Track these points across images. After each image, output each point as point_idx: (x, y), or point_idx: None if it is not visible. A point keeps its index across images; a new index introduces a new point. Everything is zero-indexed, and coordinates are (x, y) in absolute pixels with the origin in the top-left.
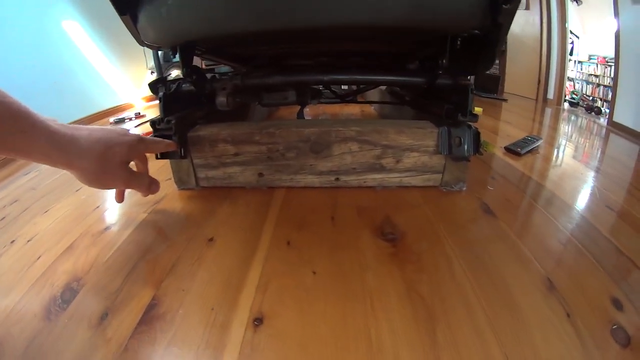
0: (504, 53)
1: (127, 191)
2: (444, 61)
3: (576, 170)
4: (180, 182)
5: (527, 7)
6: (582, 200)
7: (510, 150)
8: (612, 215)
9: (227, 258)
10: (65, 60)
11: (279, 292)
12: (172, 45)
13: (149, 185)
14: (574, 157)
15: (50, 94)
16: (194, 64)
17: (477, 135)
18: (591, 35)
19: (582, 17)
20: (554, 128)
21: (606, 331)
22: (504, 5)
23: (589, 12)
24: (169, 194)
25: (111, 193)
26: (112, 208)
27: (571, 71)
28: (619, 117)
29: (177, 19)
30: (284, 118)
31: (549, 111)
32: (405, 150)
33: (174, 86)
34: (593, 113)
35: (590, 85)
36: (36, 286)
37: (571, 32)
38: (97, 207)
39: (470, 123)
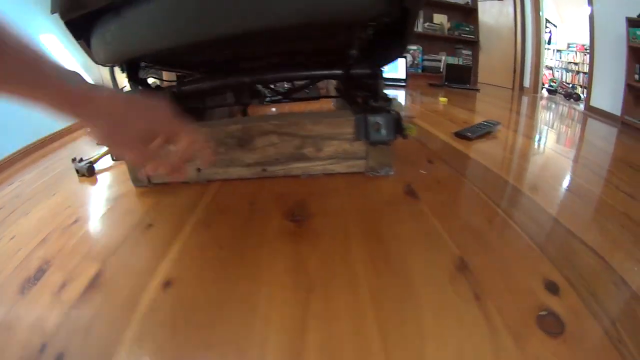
0: (475, 44)
1: (95, 187)
2: (354, 51)
3: (534, 153)
4: (136, 181)
5: None
6: (529, 179)
7: (460, 135)
8: (565, 194)
9: (158, 239)
10: None
11: (188, 263)
12: (119, 63)
13: (175, 166)
14: (536, 141)
15: (29, 108)
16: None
17: (397, 120)
18: (569, 24)
19: (559, 6)
20: (525, 115)
21: (529, 318)
22: None
23: (566, 1)
24: (127, 191)
25: (83, 195)
26: (81, 206)
27: (550, 60)
28: (596, 102)
29: (118, 42)
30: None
31: (524, 99)
32: (325, 139)
33: None
34: (572, 100)
35: (570, 73)
36: (16, 271)
37: (548, 22)
38: (69, 206)
39: (392, 109)
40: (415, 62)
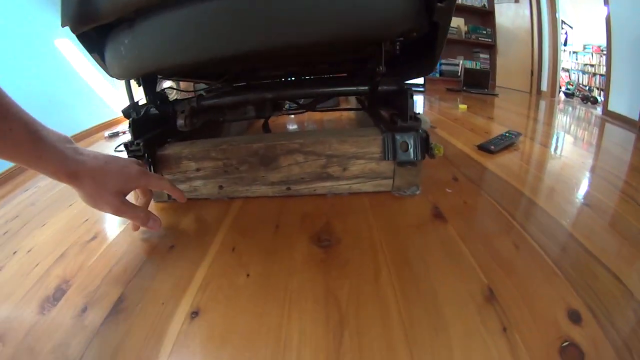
0: (493, 47)
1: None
2: (381, 67)
3: (555, 166)
4: (155, 196)
5: (517, 0)
6: (553, 199)
7: (483, 148)
8: (591, 215)
9: (182, 263)
10: (60, 77)
11: (215, 291)
12: (134, 77)
13: (145, 220)
14: (556, 151)
15: (47, 111)
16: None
17: (424, 139)
18: (585, 25)
19: (575, 7)
20: (545, 122)
21: (552, 348)
22: (438, 4)
23: (582, 2)
24: None
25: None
26: (99, 220)
27: (566, 62)
28: (614, 106)
29: (134, 56)
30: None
31: (542, 104)
32: (350, 158)
33: (142, 111)
34: (589, 103)
35: (587, 75)
36: (34, 289)
37: (564, 23)
38: (86, 219)
39: (420, 127)
40: None
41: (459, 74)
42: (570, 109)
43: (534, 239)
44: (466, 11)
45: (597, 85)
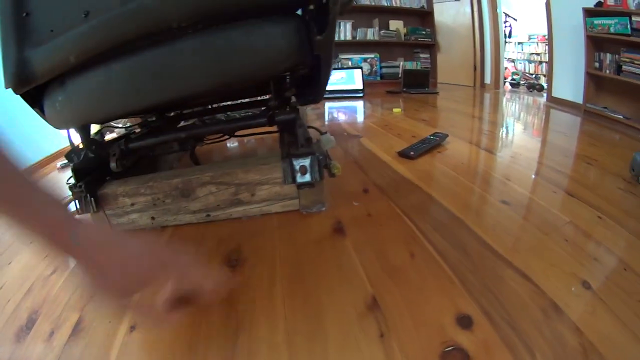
0: (433, 47)
1: None
2: (273, 101)
3: (480, 164)
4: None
5: None
6: (467, 200)
7: (403, 155)
8: (508, 214)
9: None
10: (9, 107)
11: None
12: (70, 128)
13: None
14: (485, 148)
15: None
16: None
17: (320, 161)
18: (529, 16)
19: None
20: (482, 117)
21: (432, 353)
22: (317, 37)
23: None
24: None
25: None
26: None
27: (512, 52)
28: (558, 92)
29: (67, 111)
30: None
31: (486, 97)
32: (256, 184)
33: (81, 156)
34: (535, 90)
35: (533, 64)
36: (9, 321)
37: (508, 16)
38: (46, 256)
39: (316, 151)
40: (374, 69)
41: (400, 75)
42: (515, 98)
43: (434, 246)
44: (405, 13)
45: (544, 73)
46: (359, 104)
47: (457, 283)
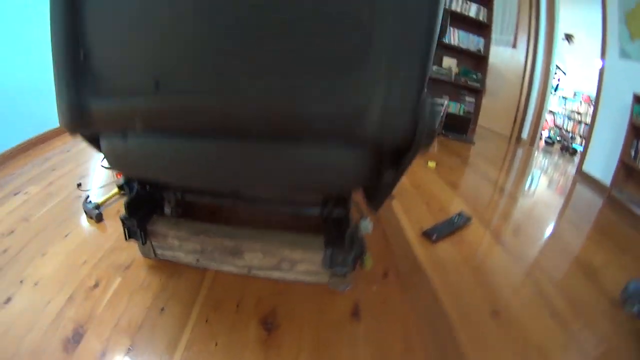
0: (480, 92)
1: (106, 241)
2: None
3: (484, 263)
4: (144, 254)
5: (514, 46)
6: (464, 309)
7: (427, 235)
8: (491, 329)
9: (170, 324)
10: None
11: (195, 354)
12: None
13: None
14: (496, 242)
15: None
16: None
17: (356, 257)
18: (579, 73)
19: (572, 54)
20: (510, 193)
21: None
22: (387, 172)
23: (580, 50)
24: (137, 260)
25: (95, 247)
26: (97, 265)
27: (554, 105)
28: (589, 167)
29: (127, 164)
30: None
31: (519, 155)
32: (298, 261)
33: (133, 189)
34: (568, 154)
35: (572, 122)
36: (52, 327)
37: (559, 68)
38: (85, 261)
39: (355, 248)
40: None
41: (442, 114)
42: (545, 162)
43: (426, 346)
44: (461, 52)
45: (581, 133)
46: None
47: None
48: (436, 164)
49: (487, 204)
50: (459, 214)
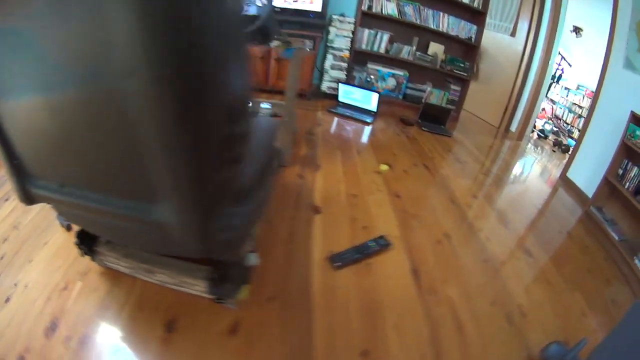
0: (466, 82)
1: (74, 250)
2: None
3: (386, 295)
4: (97, 263)
5: (513, 34)
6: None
7: (331, 261)
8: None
9: (109, 318)
10: None
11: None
12: None
13: None
14: (416, 274)
15: None
16: None
17: (234, 288)
18: (585, 67)
19: (579, 47)
20: (469, 204)
21: None
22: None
23: (586, 45)
24: (92, 267)
25: (66, 254)
26: (67, 271)
27: (556, 95)
28: (573, 174)
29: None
30: None
31: (503, 152)
32: (193, 284)
33: None
34: (559, 150)
35: (572, 115)
36: (37, 319)
37: (564, 59)
38: (59, 267)
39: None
40: (398, 87)
41: (423, 100)
42: (532, 159)
43: None
44: (449, 39)
45: (579, 128)
46: (356, 138)
47: None
48: (389, 167)
49: (428, 224)
50: (379, 238)
